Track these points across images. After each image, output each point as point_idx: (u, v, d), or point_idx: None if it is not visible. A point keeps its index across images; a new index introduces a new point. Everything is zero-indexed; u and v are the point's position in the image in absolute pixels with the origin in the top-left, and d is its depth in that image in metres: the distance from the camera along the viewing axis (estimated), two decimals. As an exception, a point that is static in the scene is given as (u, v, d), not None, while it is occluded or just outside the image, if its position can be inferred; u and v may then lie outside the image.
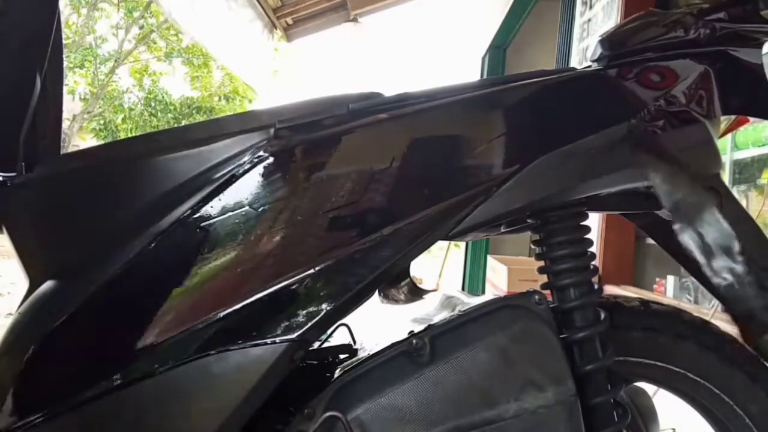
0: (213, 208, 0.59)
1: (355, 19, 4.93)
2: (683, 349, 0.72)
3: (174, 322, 0.57)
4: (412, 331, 0.64)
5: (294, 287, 0.58)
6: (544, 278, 0.71)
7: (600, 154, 0.63)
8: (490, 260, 4.18)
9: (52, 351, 0.57)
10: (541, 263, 0.71)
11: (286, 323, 0.57)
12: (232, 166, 0.60)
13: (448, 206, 0.60)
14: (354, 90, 0.65)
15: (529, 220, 0.72)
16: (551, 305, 0.66)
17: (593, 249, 0.72)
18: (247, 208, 0.59)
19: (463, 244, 5.88)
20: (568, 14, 3.56)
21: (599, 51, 0.68)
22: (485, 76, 5.79)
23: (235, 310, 0.57)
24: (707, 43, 0.67)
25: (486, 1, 5.94)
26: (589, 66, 0.69)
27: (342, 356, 0.77)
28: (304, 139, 0.61)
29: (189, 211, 0.59)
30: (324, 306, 0.58)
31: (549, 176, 0.62)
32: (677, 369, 0.72)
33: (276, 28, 4.59)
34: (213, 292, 0.58)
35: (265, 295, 0.58)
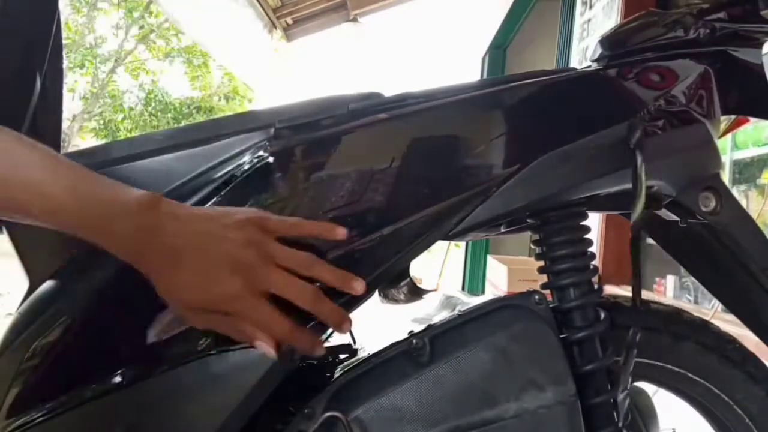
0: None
1: (355, 19, 4.94)
2: (683, 349, 0.72)
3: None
4: (412, 331, 0.63)
5: (294, 287, 0.58)
6: (544, 278, 0.71)
7: (600, 154, 0.63)
8: (490, 260, 4.18)
9: (52, 351, 0.57)
10: (541, 263, 0.71)
11: (286, 323, 0.57)
12: (232, 166, 0.60)
13: (448, 206, 0.60)
14: (354, 90, 0.65)
15: (529, 220, 0.72)
16: (551, 305, 0.66)
17: (593, 249, 0.72)
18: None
19: (463, 244, 5.88)
20: (568, 14, 3.56)
21: (599, 51, 0.68)
22: (485, 76, 5.80)
23: (235, 310, 0.57)
24: (707, 43, 0.67)
25: (486, 1, 5.95)
26: (589, 66, 0.69)
27: (342, 356, 0.77)
28: (304, 139, 0.61)
29: (189, 211, 0.59)
30: (324, 306, 0.58)
31: (549, 176, 0.62)
32: (677, 369, 0.72)
33: (276, 28, 4.59)
34: (213, 292, 0.58)
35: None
